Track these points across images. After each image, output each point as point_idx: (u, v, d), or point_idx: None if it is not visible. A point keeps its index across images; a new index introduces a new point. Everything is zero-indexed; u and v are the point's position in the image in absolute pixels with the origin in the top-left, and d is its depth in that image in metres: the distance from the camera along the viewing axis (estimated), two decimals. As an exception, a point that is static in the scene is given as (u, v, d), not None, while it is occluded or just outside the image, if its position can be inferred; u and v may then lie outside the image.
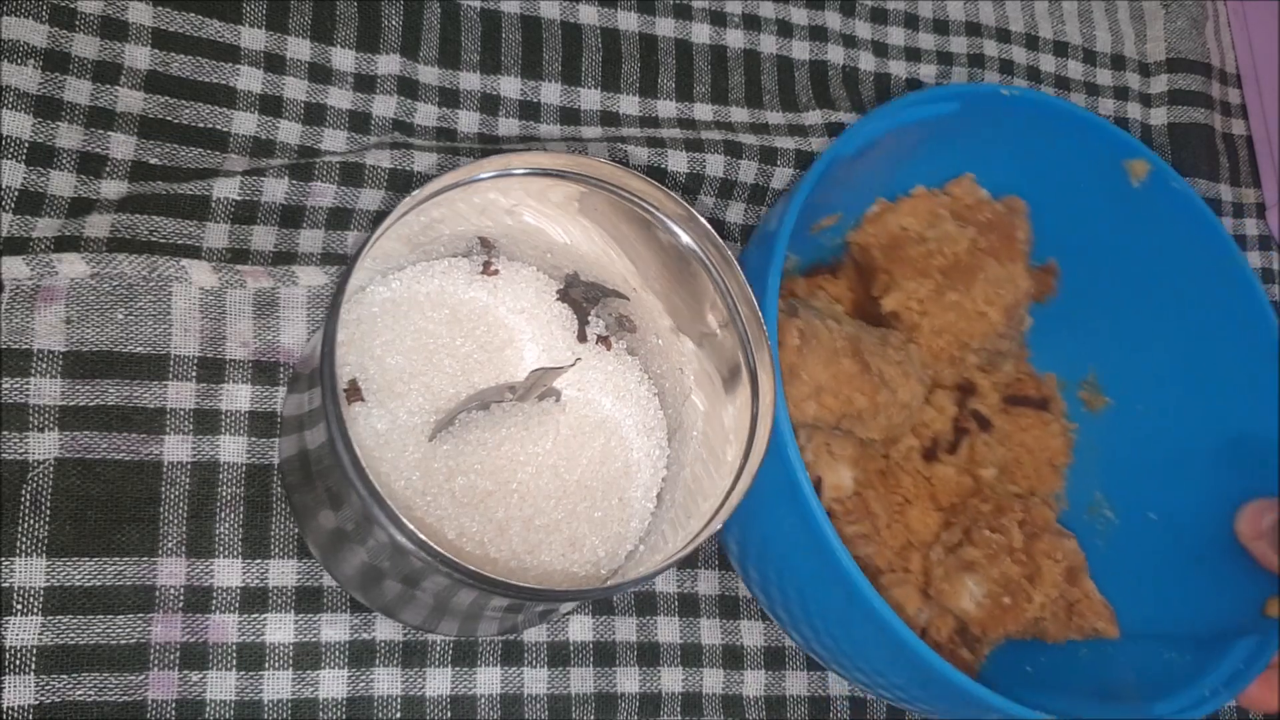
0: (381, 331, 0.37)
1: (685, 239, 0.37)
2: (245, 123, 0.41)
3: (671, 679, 0.42)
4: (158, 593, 0.36)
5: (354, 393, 0.36)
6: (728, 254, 0.36)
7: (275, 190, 0.40)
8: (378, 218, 0.42)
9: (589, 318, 0.40)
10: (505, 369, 0.39)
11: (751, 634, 0.44)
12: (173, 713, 0.36)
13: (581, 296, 0.40)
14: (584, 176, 0.36)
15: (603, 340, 0.40)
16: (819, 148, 0.48)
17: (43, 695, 0.35)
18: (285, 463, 0.38)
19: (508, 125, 0.45)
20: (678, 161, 0.45)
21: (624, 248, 0.38)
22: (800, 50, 0.51)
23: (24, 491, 0.35)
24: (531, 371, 0.38)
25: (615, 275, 0.39)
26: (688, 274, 0.37)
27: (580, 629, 0.41)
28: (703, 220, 0.36)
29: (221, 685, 0.36)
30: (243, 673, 0.37)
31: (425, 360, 0.38)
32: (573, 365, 0.39)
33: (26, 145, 0.38)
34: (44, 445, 0.36)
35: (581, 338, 0.40)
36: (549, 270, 0.40)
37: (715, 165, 0.46)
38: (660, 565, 0.33)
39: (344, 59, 0.43)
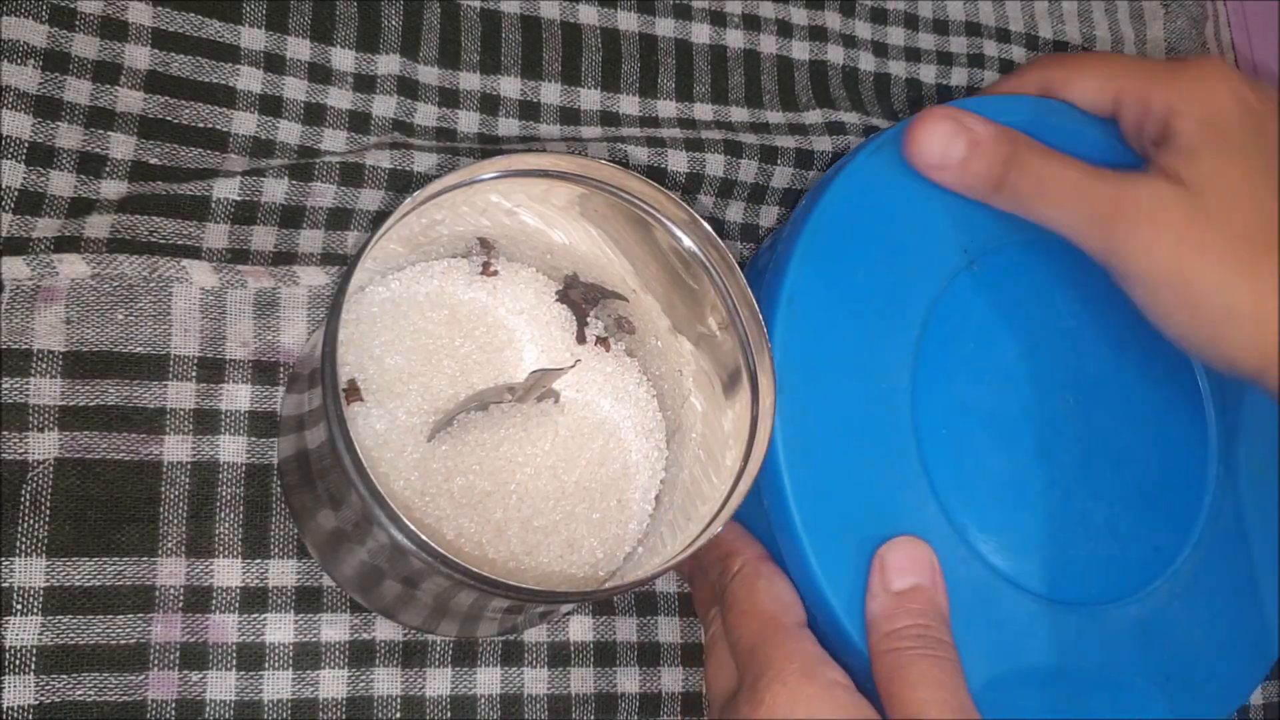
0: (381, 332, 0.37)
1: (687, 242, 0.37)
2: (245, 123, 0.41)
3: (672, 679, 0.42)
4: (158, 593, 0.36)
5: (353, 393, 0.36)
6: (729, 258, 0.36)
7: (275, 190, 0.40)
8: (378, 218, 0.42)
9: (588, 319, 0.40)
10: (504, 370, 0.39)
11: (750, 633, 0.44)
12: (173, 713, 0.36)
13: (581, 298, 0.40)
14: (586, 178, 0.36)
15: (602, 341, 0.40)
16: (819, 147, 0.48)
17: (43, 695, 0.35)
18: (283, 463, 0.38)
19: (508, 125, 0.45)
20: (677, 161, 0.45)
21: (624, 249, 0.39)
22: (800, 50, 0.51)
23: (24, 491, 0.35)
24: (531, 373, 0.38)
25: (615, 276, 0.39)
26: (688, 276, 0.37)
27: (580, 629, 0.41)
28: (705, 224, 0.36)
29: (221, 685, 0.36)
30: (243, 673, 0.37)
31: (424, 360, 0.38)
32: (572, 367, 0.39)
33: (26, 145, 0.38)
34: (44, 445, 0.36)
35: (580, 339, 0.40)
36: (548, 271, 0.40)
37: (715, 165, 0.46)
38: (659, 568, 0.33)
39: (344, 59, 0.43)
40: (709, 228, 0.36)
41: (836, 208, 0.39)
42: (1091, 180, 0.38)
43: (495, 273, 0.40)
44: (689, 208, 0.36)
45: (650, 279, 0.39)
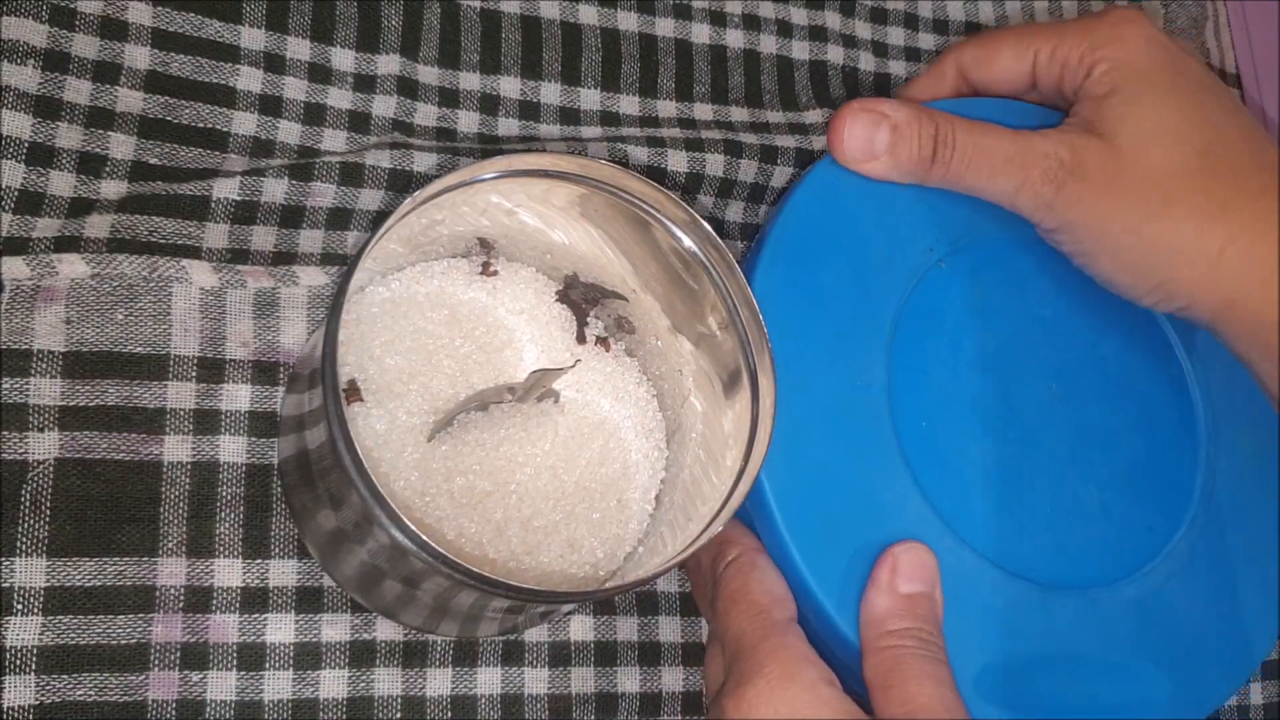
0: (381, 332, 0.37)
1: (687, 242, 0.37)
2: (245, 123, 0.41)
3: (672, 679, 0.42)
4: (158, 593, 0.36)
5: (353, 393, 0.36)
6: (730, 258, 0.36)
7: (275, 190, 0.40)
8: (378, 218, 0.42)
9: (588, 319, 0.40)
10: (504, 370, 0.39)
11: (750, 633, 0.44)
12: (173, 713, 0.36)
13: (581, 298, 0.40)
14: (586, 178, 0.36)
15: (601, 341, 0.40)
16: (819, 147, 0.48)
17: (43, 695, 0.35)
18: (283, 463, 0.38)
19: (507, 125, 0.45)
20: (677, 161, 0.45)
21: (624, 249, 0.39)
22: (800, 50, 0.51)
23: (24, 491, 0.35)
24: (531, 373, 0.38)
25: (614, 276, 0.39)
26: (688, 276, 0.37)
27: (581, 629, 0.41)
28: (705, 224, 0.36)
29: (222, 685, 0.36)
30: (243, 673, 0.37)
31: (424, 361, 0.38)
32: (572, 367, 0.39)
33: (26, 145, 0.38)
34: (44, 445, 0.36)
35: (580, 339, 0.40)
36: (548, 271, 0.40)
37: (715, 165, 0.46)
38: (659, 568, 0.33)
39: (344, 59, 0.43)
40: (709, 228, 0.36)
41: (805, 210, 0.40)
42: (1016, 147, 0.39)
43: (495, 273, 0.40)
44: (689, 208, 0.36)
45: (650, 279, 0.39)
